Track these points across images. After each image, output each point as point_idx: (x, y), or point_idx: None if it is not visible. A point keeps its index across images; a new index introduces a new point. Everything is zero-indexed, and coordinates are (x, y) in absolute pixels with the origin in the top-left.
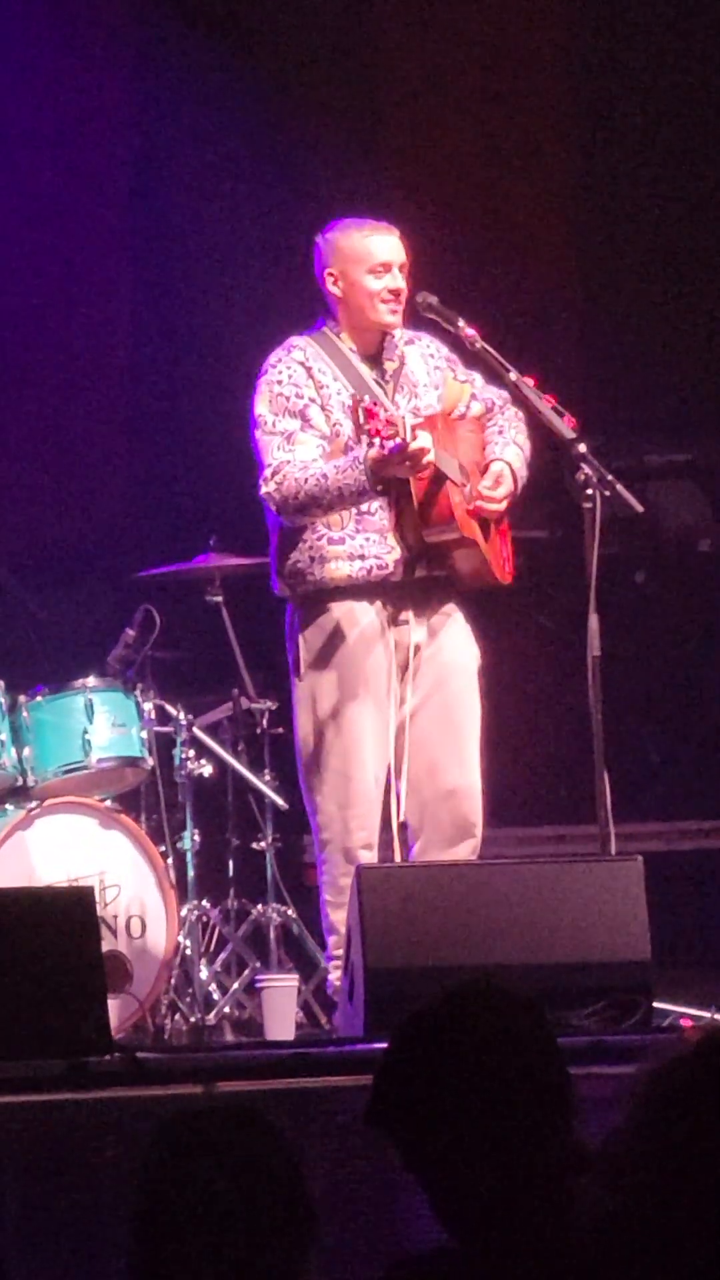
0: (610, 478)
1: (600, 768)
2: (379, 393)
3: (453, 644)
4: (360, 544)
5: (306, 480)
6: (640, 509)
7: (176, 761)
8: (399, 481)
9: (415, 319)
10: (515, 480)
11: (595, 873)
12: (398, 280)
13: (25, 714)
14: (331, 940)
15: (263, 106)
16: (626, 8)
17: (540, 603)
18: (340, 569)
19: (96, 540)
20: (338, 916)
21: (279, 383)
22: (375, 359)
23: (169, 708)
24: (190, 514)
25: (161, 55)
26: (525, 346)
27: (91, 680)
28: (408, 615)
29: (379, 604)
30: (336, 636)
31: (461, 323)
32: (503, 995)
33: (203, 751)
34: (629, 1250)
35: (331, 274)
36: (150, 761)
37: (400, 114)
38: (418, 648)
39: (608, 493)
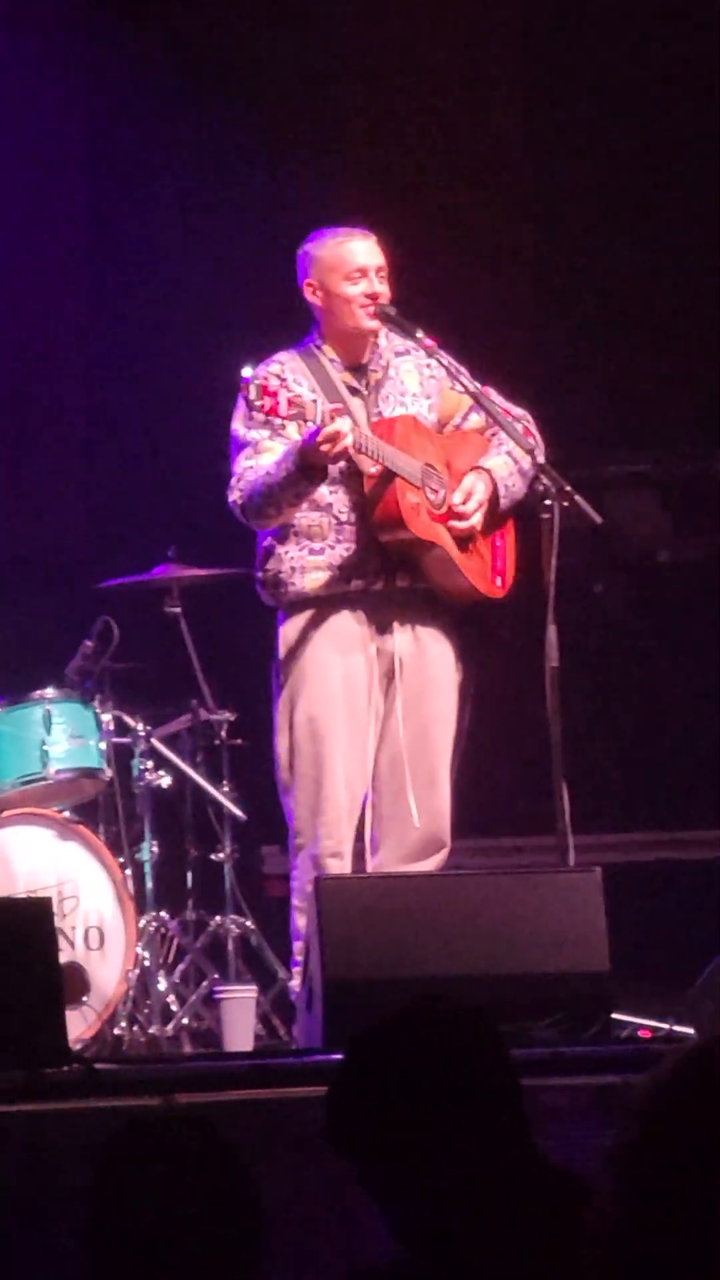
0: (568, 488)
1: (559, 779)
2: (352, 403)
3: (438, 659)
4: (340, 554)
5: (257, 480)
6: (598, 520)
7: (135, 773)
8: (353, 479)
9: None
10: (494, 487)
11: (554, 884)
12: (375, 284)
13: None
14: (297, 946)
15: (220, 123)
16: (579, 20)
17: (498, 613)
18: (319, 579)
19: (55, 551)
20: (303, 923)
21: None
22: (360, 369)
23: (127, 719)
24: (149, 525)
25: (119, 76)
26: (483, 357)
27: (50, 691)
28: (391, 625)
29: (360, 614)
30: (315, 645)
31: (420, 333)
32: (455, 1010)
33: (161, 763)
34: (628, 1268)
35: (311, 284)
36: (109, 773)
37: (357, 127)
38: (402, 660)
39: (566, 503)
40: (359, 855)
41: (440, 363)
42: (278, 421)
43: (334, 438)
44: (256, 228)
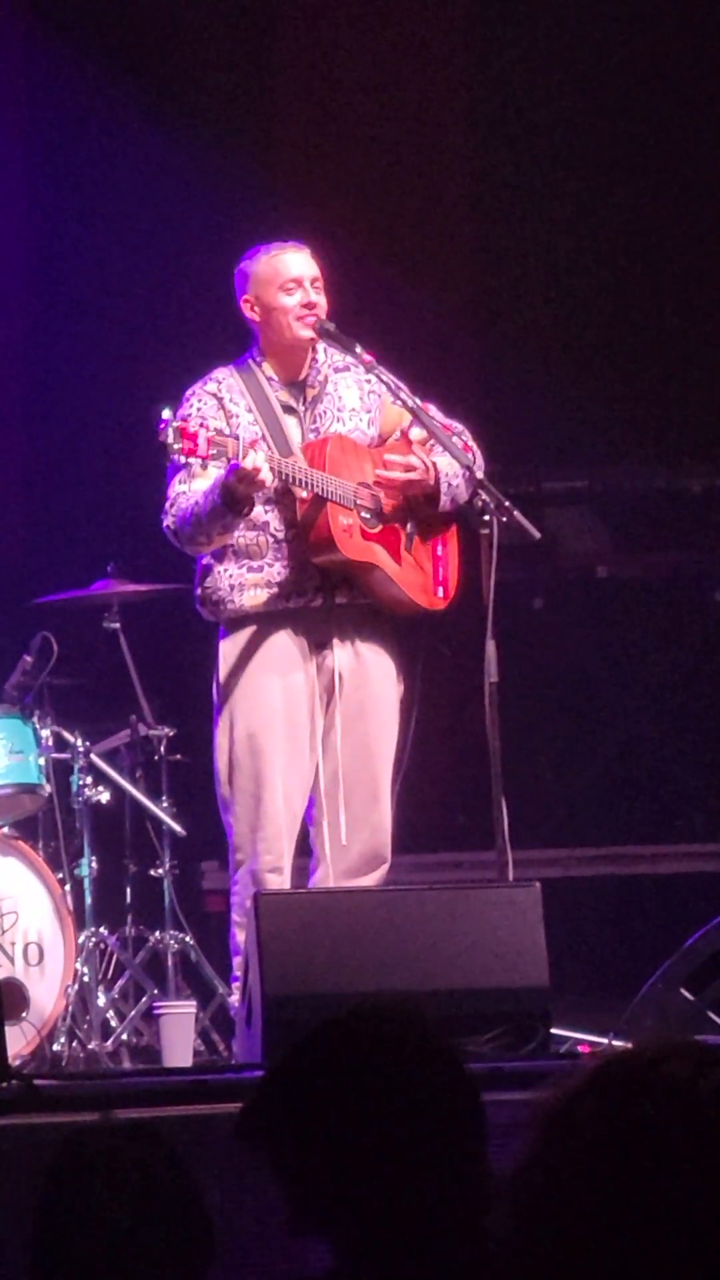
0: (508, 504)
1: (498, 794)
2: (286, 421)
3: (378, 675)
4: (277, 572)
5: (187, 508)
6: (538, 535)
7: (74, 788)
8: (288, 499)
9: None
10: (432, 474)
11: (493, 899)
12: (310, 294)
13: None
14: (236, 961)
15: (158, 133)
16: (521, 28)
17: (437, 628)
18: (258, 596)
19: None
20: (243, 938)
21: (188, 417)
22: (298, 385)
23: (66, 734)
24: (87, 540)
25: (56, 85)
26: (422, 373)
27: None
28: (331, 642)
29: (300, 630)
30: (254, 662)
31: (359, 348)
32: (398, 1017)
33: (100, 778)
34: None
35: (248, 300)
36: (48, 788)
37: (295, 138)
38: (342, 675)
39: (505, 519)
40: (301, 870)
41: (380, 378)
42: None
43: (248, 476)
44: (195, 244)
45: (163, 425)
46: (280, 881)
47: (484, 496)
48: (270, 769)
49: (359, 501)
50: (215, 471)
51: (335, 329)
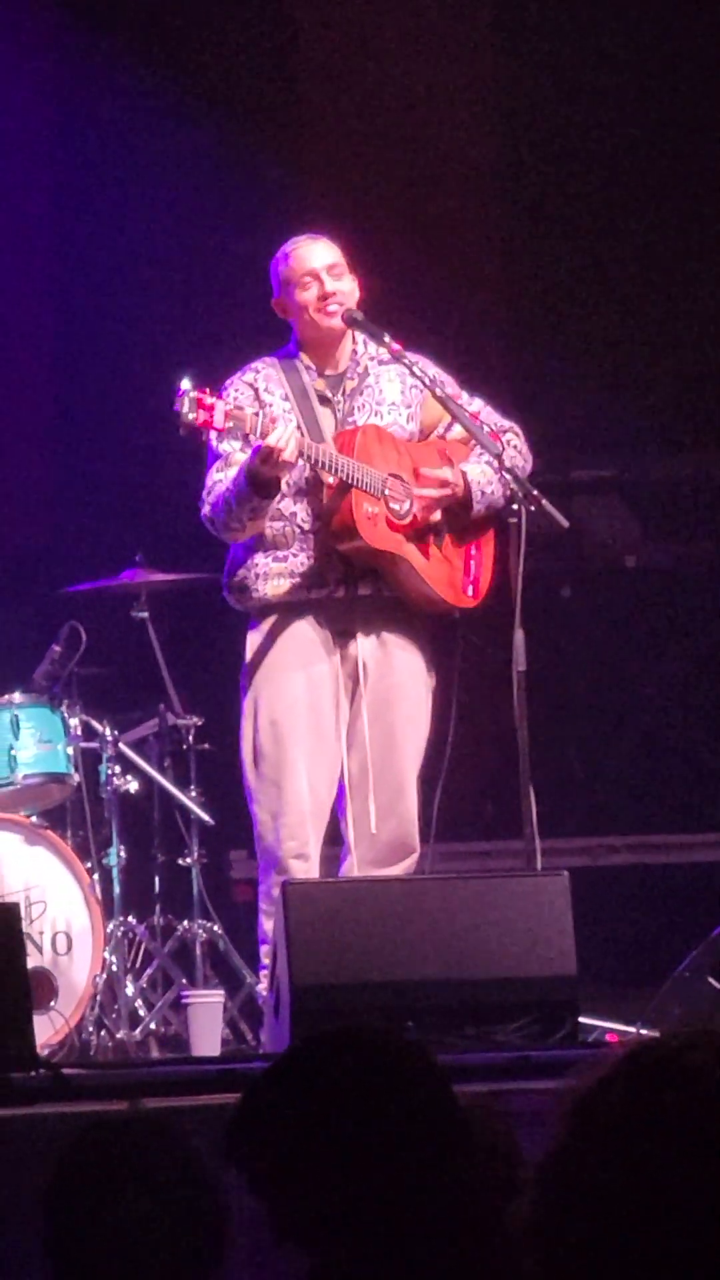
0: (536, 493)
1: (526, 783)
2: (320, 412)
3: (404, 666)
4: (301, 562)
5: (220, 495)
6: (566, 524)
7: (102, 778)
8: (316, 489)
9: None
10: (466, 488)
11: (521, 888)
12: (327, 284)
13: None
14: (263, 950)
15: (186, 123)
16: (547, 20)
17: (465, 617)
18: (280, 586)
19: (22, 557)
20: (269, 926)
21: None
22: (337, 377)
23: (95, 724)
24: (116, 530)
25: (83, 74)
26: (454, 362)
27: (17, 696)
28: (354, 633)
29: (323, 620)
30: (277, 651)
31: (388, 337)
32: (368, 1034)
33: (129, 767)
34: (557, 1275)
35: (278, 303)
36: (76, 777)
37: (326, 128)
38: (366, 665)
39: (533, 508)
40: (331, 860)
41: (408, 367)
42: (242, 430)
43: (269, 453)
44: (228, 231)
45: (180, 394)
46: (305, 868)
47: (513, 486)
48: (292, 756)
49: (388, 492)
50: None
51: (364, 318)
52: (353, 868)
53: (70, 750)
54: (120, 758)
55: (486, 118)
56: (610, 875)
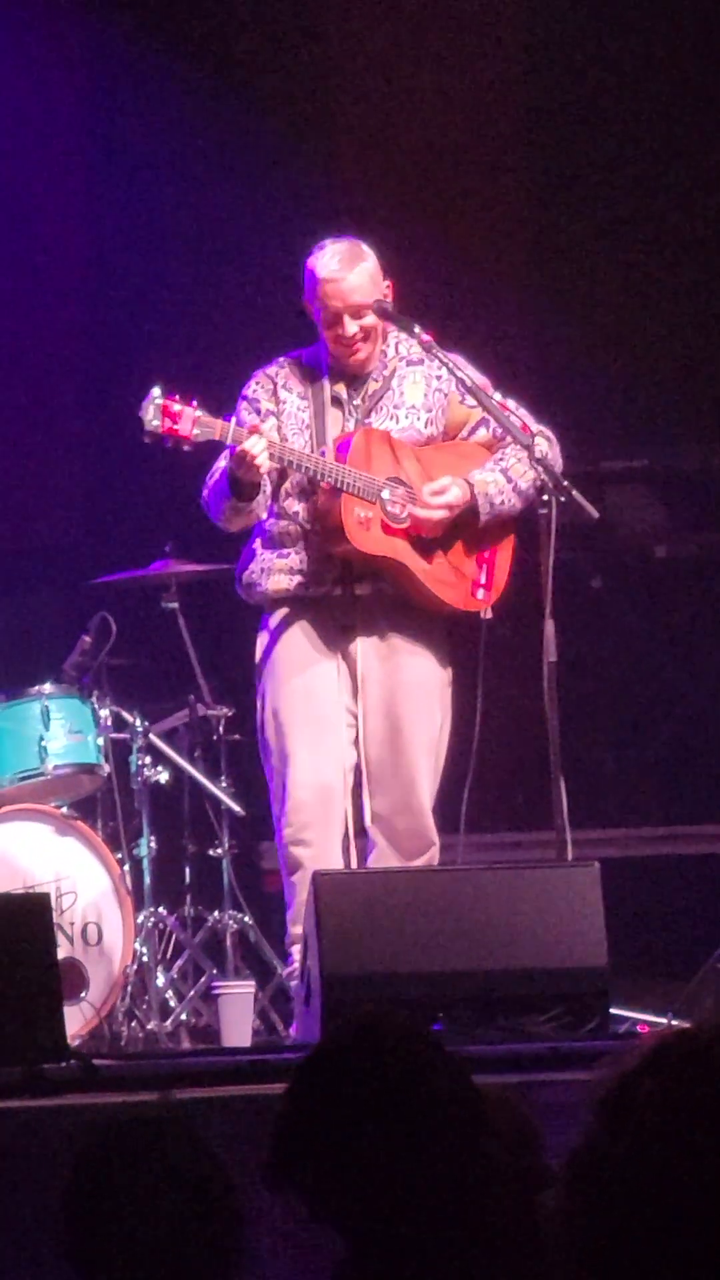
0: (566, 483)
1: (557, 773)
2: (328, 410)
3: (411, 662)
4: (301, 560)
5: (210, 487)
6: (596, 515)
7: (133, 768)
8: (316, 491)
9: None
10: (472, 498)
11: (552, 879)
12: (349, 328)
13: None
14: (287, 939)
15: (218, 116)
16: (578, 17)
17: (495, 608)
18: (282, 582)
19: (52, 547)
20: (288, 916)
21: (244, 399)
22: (360, 378)
23: (125, 714)
24: (146, 520)
25: (116, 68)
26: (482, 351)
27: (48, 687)
28: (355, 630)
29: (323, 617)
30: (280, 644)
31: (418, 328)
32: (393, 1029)
33: (159, 758)
34: (589, 1266)
35: (307, 305)
36: (106, 768)
37: (355, 121)
38: (368, 662)
39: (564, 498)
40: (362, 851)
41: (439, 360)
42: (254, 421)
43: (242, 458)
44: (257, 226)
45: (145, 400)
46: (307, 854)
47: (543, 477)
48: (292, 745)
49: (385, 496)
50: None
51: (392, 308)
52: (377, 861)
53: (101, 741)
54: (151, 748)
55: (512, 102)
56: (641, 866)
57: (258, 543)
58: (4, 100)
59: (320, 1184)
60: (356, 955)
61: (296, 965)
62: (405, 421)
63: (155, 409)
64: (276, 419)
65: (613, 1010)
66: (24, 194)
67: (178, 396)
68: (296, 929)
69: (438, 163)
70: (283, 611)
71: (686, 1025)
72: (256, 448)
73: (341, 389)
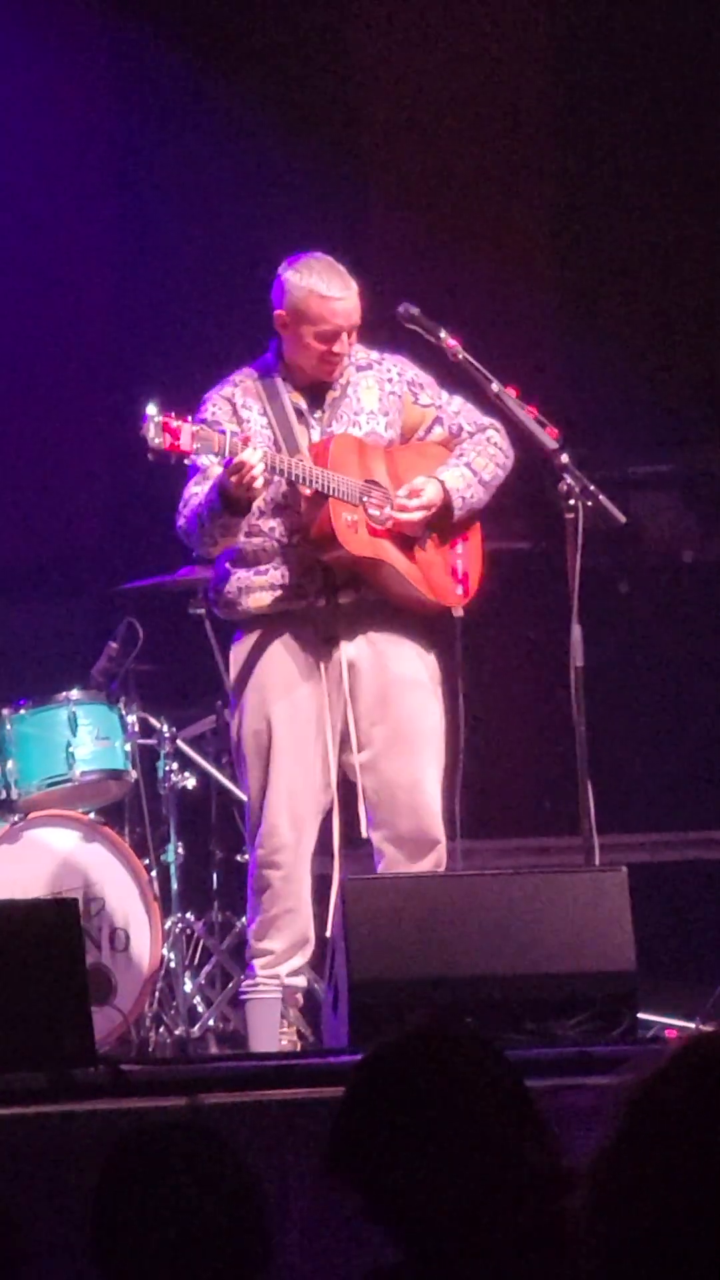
0: (593, 488)
1: (584, 778)
2: (294, 422)
3: (398, 660)
4: (282, 575)
5: (193, 510)
6: (623, 520)
7: (160, 774)
8: (293, 503)
9: (395, 332)
10: (446, 496)
11: (579, 883)
12: (344, 345)
13: (8, 727)
14: (248, 952)
15: (245, 118)
16: (606, 25)
17: (523, 614)
18: (263, 599)
19: (79, 553)
20: (249, 929)
21: (204, 422)
22: (319, 386)
23: (152, 720)
24: (172, 526)
25: (143, 72)
26: (508, 357)
27: (75, 693)
28: (338, 639)
29: (306, 630)
30: (261, 663)
31: (444, 333)
32: (455, 1035)
33: (186, 764)
34: (614, 1268)
35: (282, 315)
36: (134, 774)
37: (381, 125)
38: (353, 665)
39: (590, 503)
40: (364, 858)
41: (465, 364)
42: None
43: (239, 469)
44: (285, 229)
45: (145, 420)
46: (278, 876)
47: (569, 481)
48: (274, 769)
49: (366, 498)
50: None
51: (420, 314)
52: (389, 869)
53: (128, 747)
54: (178, 754)
55: (541, 102)
56: (669, 870)
57: (228, 563)
58: (28, 113)
59: (374, 1178)
60: (384, 960)
61: (258, 976)
62: (367, 427)
63: (156, 427)
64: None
65: (640, 1015)
66: (51, 206)
67: (173, 413)
68: (260, 944)
69: (465, 167)
70: (261, 628)
71: (714, 1029)
72: (254, 457)
73: (301, 400)
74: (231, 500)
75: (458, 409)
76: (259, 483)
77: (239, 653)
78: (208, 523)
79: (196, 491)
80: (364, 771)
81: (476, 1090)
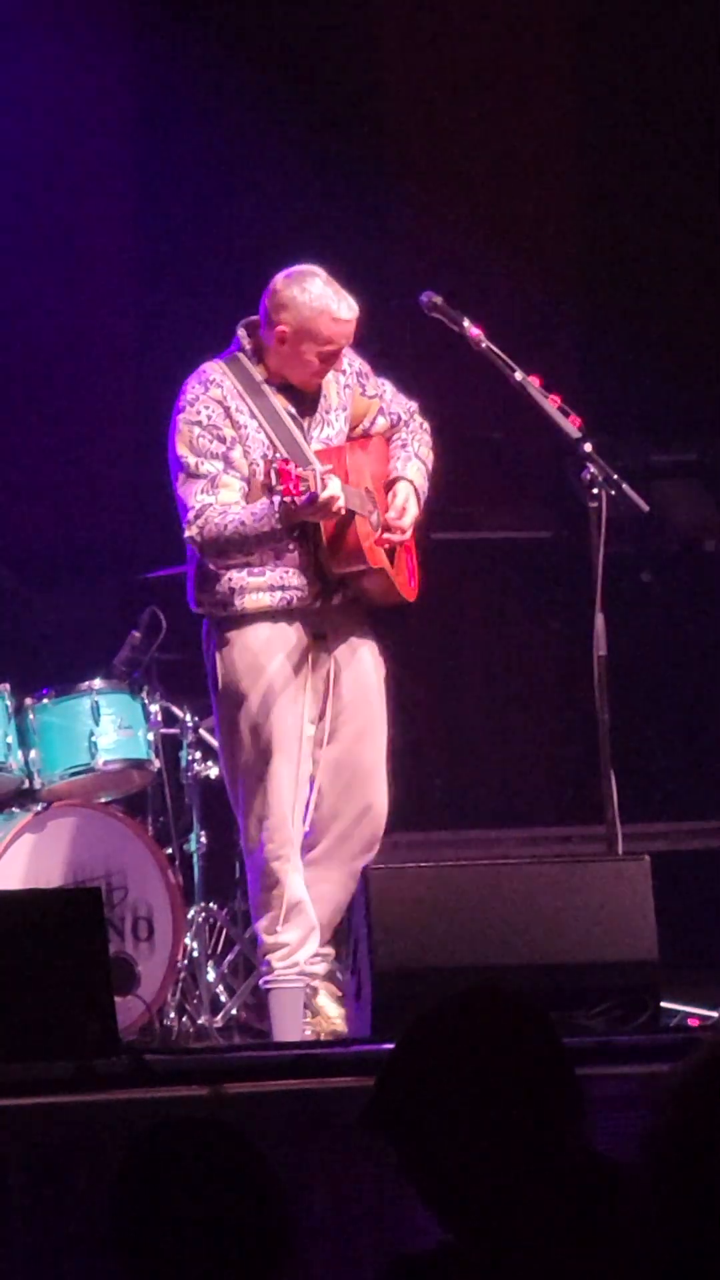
0: (616, 477)
1: (607, 767)
2: (292, 430)
3: (369, 665)
4: (279, 576)
5: (226, 526)
6: (646, 508)
7: (183, 763)
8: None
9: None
10: (420, 500)
11: (602, 872)
12: (338, 360)
13: (32, 716)
14: (260, 948)
15: (266, 108)
16: (630, 16)
17: (546, 603)
18: (260, 599)
19: (102, 542)
20: (257, 925)
21: (199, 424)
22: (293, 388)
23: (175, 710)
24: None
25: (164, 57)
26: (531, 346)
27: (97, 682)
28: (326, 638)
29: (298, 629)
30: (254, 659)
31: (467, 323)
32: (509, 1000)
33: (209, 753)
34: (664, 1260)
35: (284, 331)
36: (156, 763)
37: (404, 113)
38: (339, 666)
39: (613, 492)
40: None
41: (489, 354)
42: (220, 450)
43: (328, 504)
44: (307, 218)
45: (284, 470)
46: (286, 869)
47: (592, 470)
48: (275, 764)
49: (369, 508)
50: (235, 480)
51: (443, 303)
52: (315, 860)
53: (151, 736)
54: (200, 743)
55: (564, 94)
56: (692, 859)
57: (211, 565)
58: (50, 109)
59: (413, 1135)
60: (407, 950)
61: (277, 968)
62: (337, 425)
63: (277, 475)
64: (241, 445)
65: (663, 1004)
66: (73, 196)
67: (275, 459)
68: (274, 938)
69: (489, 155)
70: (252, 628)
71: None
72: (337, 489)
73: (289, 404)
74: (295, 525)
75: (390, 395)
76: (341, 514)
77: (233, 651)
78: (254, 542)
79: (211, 502)
80: (330, 768)
81: (523, 1056)
